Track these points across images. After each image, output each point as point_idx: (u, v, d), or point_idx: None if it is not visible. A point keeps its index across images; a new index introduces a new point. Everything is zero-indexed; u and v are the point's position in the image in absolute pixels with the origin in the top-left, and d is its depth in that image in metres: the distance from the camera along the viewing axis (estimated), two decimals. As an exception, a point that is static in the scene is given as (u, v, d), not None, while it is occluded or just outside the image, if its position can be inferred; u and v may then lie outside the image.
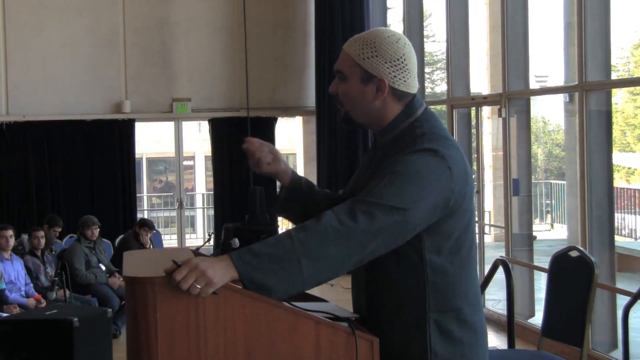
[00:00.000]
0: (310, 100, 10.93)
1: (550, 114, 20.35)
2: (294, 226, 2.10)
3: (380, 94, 2.16)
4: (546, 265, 4.28)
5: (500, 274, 4.56)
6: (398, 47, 2.17)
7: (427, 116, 2.19)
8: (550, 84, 16.42)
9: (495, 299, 7.95)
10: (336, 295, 2.48)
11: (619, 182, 17.92)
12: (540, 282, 7.52)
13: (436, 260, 2.11)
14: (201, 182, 19.91)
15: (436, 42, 19.83)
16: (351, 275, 2.28)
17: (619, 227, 12.65)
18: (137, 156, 11.45)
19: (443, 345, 2.12)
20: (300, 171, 12.93)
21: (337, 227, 1.97)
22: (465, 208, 2.13)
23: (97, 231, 8.21)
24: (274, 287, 1.95)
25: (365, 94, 2.17)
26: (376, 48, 2.15)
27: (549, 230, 15.58)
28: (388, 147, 2.19)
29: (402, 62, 2.17)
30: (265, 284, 1.94)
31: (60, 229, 8.63)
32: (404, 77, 2.17)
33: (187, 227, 12.99)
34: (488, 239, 11.73)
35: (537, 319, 6.83)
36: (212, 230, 12.46)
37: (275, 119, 11.00)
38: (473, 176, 9.01)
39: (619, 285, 6.54)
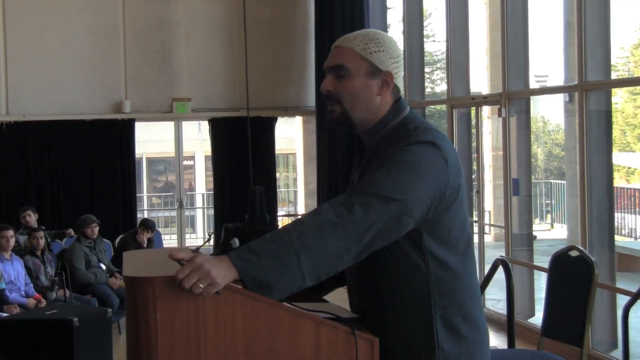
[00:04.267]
0: (310, 100, 10.92)
1: (550, 113, 20.31)
2: (292, 221, 2.10)
3: (385, 88, 2.20)
4: (546, 265, 4.28)
5: (500, 273, 4.56)
6: (397, 46, 2.25)
7: (414, 114, 2.25)
8: (550, 83, 16.41)
9: (495, 298, 7.95)
10: (336, 295, 2.48)
11: (619, 182, 17.89)
12: (540, 282, 7.52)
13: (438, 255, 2.12)
14: (201, 182, 19.89)
15: (436, 42, 19.81)
16: (346, 279, 2.28)
17: (619, 227, 12.64)
18: (137, 156, 11.43)
19: (450, 341, 2.12)
20: (300, 171, 12.93)
21: (334, 219, 1.96)
22: (460, 202, 2.14)
23: (96, 229, 8.22)
24: (274, 284, 1.93)
25: (370, 88, 2.19)
26: (381, 43, 2.20)
27: (549, 230, 15.57)
28: (378, 145, 2.20)
29: (400, 60, 2.24)
30: (265, 280, 1.93)
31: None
32: (400, 74, 2.25)
33: (187, 227, 12.98)
34: (488, 238, 11.71)
35: (537, 319, 6.83)
36: (212, 230, 12.44)
37: (275, 119, 10.99)
38: (473, 176, 9.02)
39: (619, 285, 6.54)
